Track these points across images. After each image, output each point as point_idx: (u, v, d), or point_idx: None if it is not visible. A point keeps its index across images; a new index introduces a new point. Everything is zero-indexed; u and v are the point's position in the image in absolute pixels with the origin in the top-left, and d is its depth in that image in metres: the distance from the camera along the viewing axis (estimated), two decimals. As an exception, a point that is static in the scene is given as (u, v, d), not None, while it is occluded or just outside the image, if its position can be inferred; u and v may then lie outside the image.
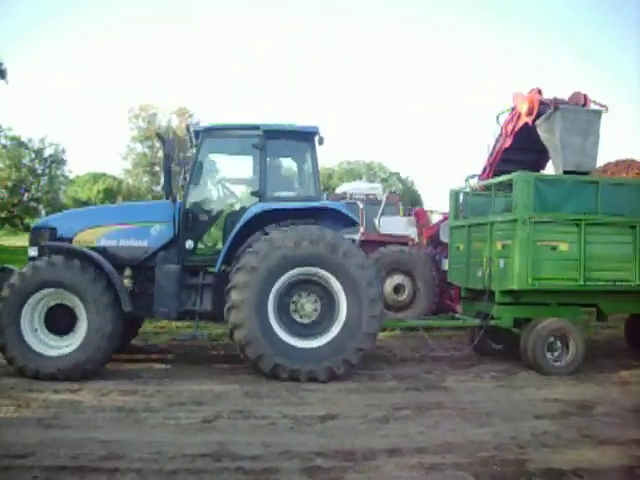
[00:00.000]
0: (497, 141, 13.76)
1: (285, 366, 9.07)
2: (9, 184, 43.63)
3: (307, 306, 9.47)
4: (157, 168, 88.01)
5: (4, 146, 40.37)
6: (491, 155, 13.91)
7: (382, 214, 16.13)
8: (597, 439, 6.84)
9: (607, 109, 11.96)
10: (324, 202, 10.17)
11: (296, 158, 10.62)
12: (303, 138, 10.17)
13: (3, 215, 43.78)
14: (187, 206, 9.89)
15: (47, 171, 48.49)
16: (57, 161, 50.71)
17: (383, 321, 10.01)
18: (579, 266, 10.14)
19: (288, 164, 11.15)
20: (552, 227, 10.19)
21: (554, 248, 10.17)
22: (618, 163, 14.19)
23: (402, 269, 15.21)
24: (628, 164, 13.92)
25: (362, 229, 15.77)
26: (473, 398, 8.48)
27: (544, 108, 12.03)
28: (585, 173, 11.69)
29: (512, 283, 10.16)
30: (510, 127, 13.15)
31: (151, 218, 9.97)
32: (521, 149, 13.21)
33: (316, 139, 10.15)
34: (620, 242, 10.41)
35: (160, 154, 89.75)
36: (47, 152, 46.50)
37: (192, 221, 9.90)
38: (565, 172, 11.56)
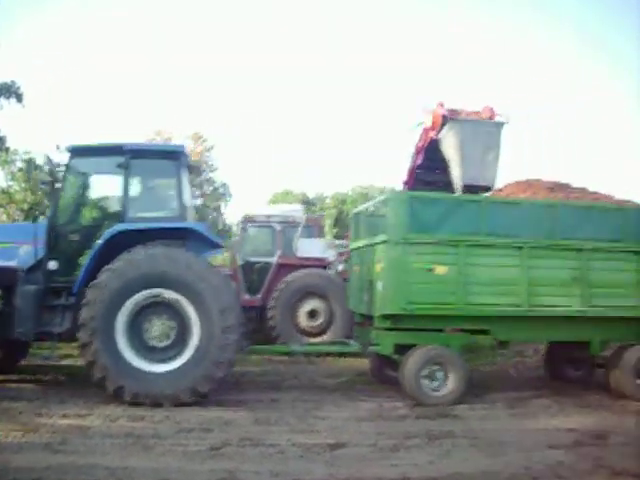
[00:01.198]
0: (411, 160, 13.31)
1: (129, 388, 8.81)
2: (25, 207, 43.86)
3: (158, 329, 9.19)
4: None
5: (20, 169, 40.59)
6: (407, 176, 13.49)
7: (300, 237, 15.50)
8: (612, 470, 6.69)
9: (509, 121, 11.74)
10: (185, 223, 9.79)
11: (162, 178, 10.44)
12: (168, 157, 10.03)
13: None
14: (51, 226, 9.78)
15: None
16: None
17: (240, 348, 9.63)
18: (459, 290, 9.61)
19: (161, 184, 10.82)
20: (428, 249, 9.64)
21: (430, 270, 9.59)
22: (518, 183, 13.47)
23: (317, 293, 14.74)
24: (528, 184, 13.20)
25: (279, 252, 15.35)
26: (485, 426, 8.36)
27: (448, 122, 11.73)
28: (487, 189, 11.46)
29: (386, 307, 9.67)
30: (420, 144, 12.76)
31: (11, 239, 9.86)
32: (435, 168, 12.76)
33: (182, 158, 10.05)
34: (505, 265, 9.87)
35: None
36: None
37: (56, 241, 9.77)
38: (465, 187, 11.24)
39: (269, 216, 16.07)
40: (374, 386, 10.96)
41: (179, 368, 9.04)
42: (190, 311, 9.10)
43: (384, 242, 9.70)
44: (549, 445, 7.53)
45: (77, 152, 9.93)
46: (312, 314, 14.75)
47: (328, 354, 12.81)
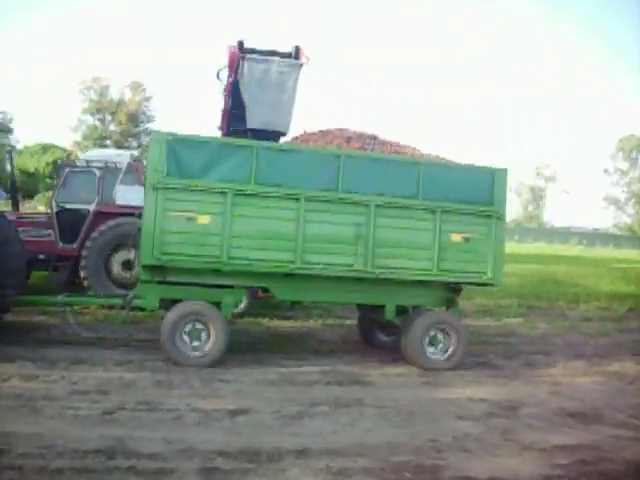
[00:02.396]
0: (223, 105, 12.58)
1: None
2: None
3: None
4: (108, 142, 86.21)
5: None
6: (221, 121, 12.72)
7: (120, 183, 14.44)
8: (520, 444, 6.56)
9: (308, 61, 10.93)
10: None
11: None
12: None
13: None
14: None
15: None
16: (4, 129, 49.07)
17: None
18: (222, 243, 8.90)
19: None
20: (188, 196, 8.87)
21: (190, 219, 8.91)
22: (326, 133, 11.81)
23: (133, 243, 14.09)
24: (324, 133, 11.57)
25: (97, 199, 14.23)
26: (395, 395, 8.13)
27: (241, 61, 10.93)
28: (280, 135, 10.89)
29: (142, 258, 9.02)
30: (225, 87, 12.07)
31: None
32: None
33: None
34: (278, 218, 9.14)
35: (112, 127, 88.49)
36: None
37: None
38: (255, 132, 10.58)
39: (89, 161, 14.84)
40: (294, 349, 10.61)
41: None
42: None
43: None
44: (459, 416, 7.37)
45: None
46: (127, 265, 13.69)
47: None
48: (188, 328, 8.98)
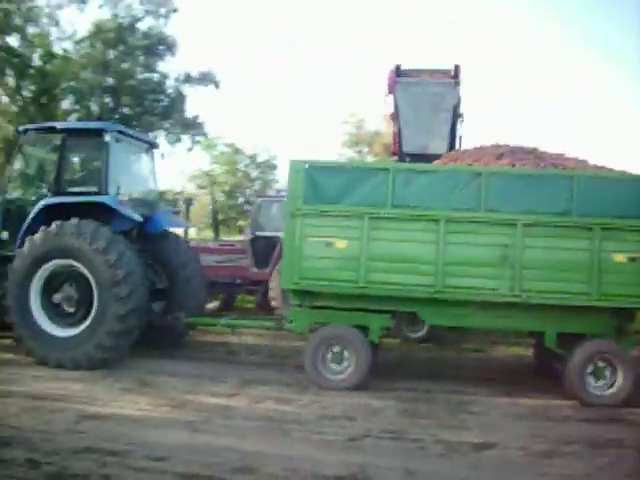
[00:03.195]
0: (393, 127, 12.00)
1: (36, 350, 9.59)
2: (226, 188, 46.04)
3: (64, 296, 9.90)
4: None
5: (222, 153, 42.62)
6: (393, 146, 12.13)
7: None
8: None
9: (457, 86, 10.38)
10: (99, 198, 10.08)
11: (90, 155, 11.13)
12: (93, 135, 10.50)
13: (221, 217, 46.27)
14: (3, 201, 10.72)
15: (261, 175, 50.64)
16: (270, 166, 52.80)
17: (176, 319, 10.22)
18: (359, 266, 8.74)
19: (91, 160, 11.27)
20: (326, 221, 8.87)
21: (328, 244, 8.82)
22: (478, 149, 11.00)
23: None
24: (469, 153, 10.85)
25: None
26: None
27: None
28: (437, 157, 9.99)
29: (282, 282, 9.23)
30: (390, 112, 11.66)
31: None
32: None
33: (107, 136, 10.29)
34: (416, 240, 8.79)
35: (368, 159, 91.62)
36: (261, 157, 48.47)
37: (7, 214, 10.64)
38: (413, 157, 10.15)
39: (280, 191, 15.74)
40: (541, 380, 10.02)
41: (78, 335, 9.58)
42: (91, 280, 9.55)
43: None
44: None
45: (24, 132, 10.90)
46: None
47: None
48: (329, 351, 9.06)
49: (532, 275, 8.63)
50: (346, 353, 9.04)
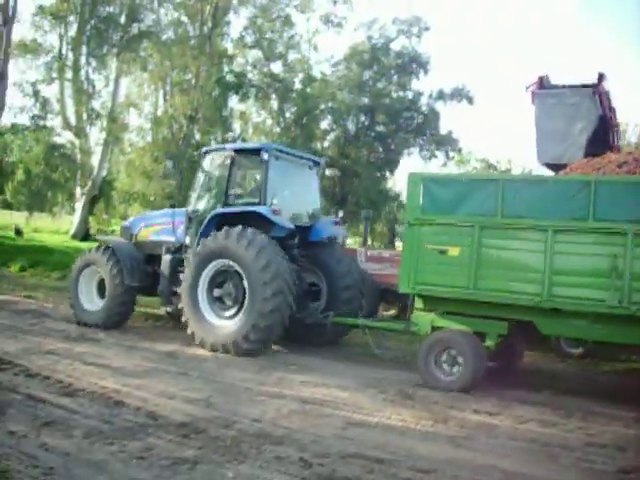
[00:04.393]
0: None
1: (197, 333, 11.30)
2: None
3: (223, 291, 11.47)
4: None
5: (475, 168, 42.41)
6: None
7: None
8: None
9: (595, 94, 10.37)
10: (254, 207, 11.53)
11: (252, 171, 12.78)
12: (255, 154, 11.95)
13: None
14: (189, 212, 12.52)
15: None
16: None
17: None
18: (471, 273, 9.17)
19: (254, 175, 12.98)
20: (441, 230, 9.54)
21: (442, 252, 9.28)
22: (603, 158, 10.34)
23: None
24: (595, 162, 10.14)
25: None
26: None
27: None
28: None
29: (400, 287, 9.85)
30: None
31: (170, 220, 12.95)
32: None
33: (265, 154, 11.66)
34: (525, 249, 9.02)
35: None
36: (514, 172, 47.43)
37: (190, 223, 12.42)
38: (548, 166, 10.33)
39: None
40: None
41: (232, 325, 11.10)
42: (244, 280, 11.00)
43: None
44: None
45: (204, 153, 12.85)
46: None
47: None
48: (442, 354, 9.44)
49: None
50: (460, 358, 9.33)
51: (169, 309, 12.72)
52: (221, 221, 11.67)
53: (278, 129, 38.36)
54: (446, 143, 36.80)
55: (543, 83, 11.52)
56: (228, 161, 12.14)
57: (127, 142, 37.68)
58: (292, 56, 38.27)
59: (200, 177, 12.88)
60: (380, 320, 13.13)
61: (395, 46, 37.00)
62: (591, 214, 8.62)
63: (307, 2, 36.87)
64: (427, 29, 36.77)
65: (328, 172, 32.91)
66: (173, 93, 35.84)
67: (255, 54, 37.59)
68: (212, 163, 12.81)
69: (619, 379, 11.38)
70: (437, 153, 37.02)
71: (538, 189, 9.23)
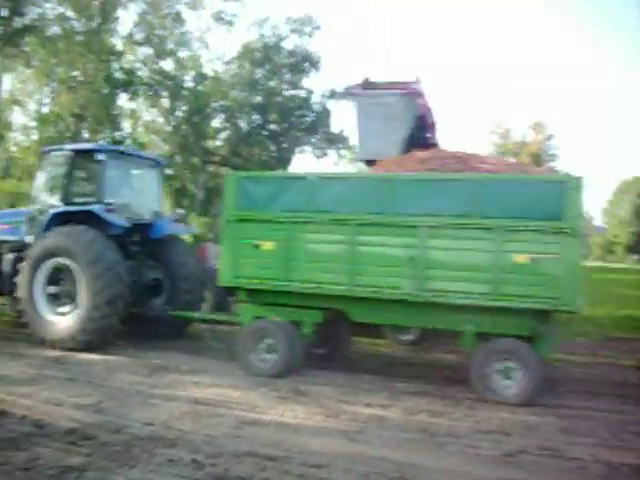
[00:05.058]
0: None
1: (38, 332, 11.45)
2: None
3: (59, 288, 11.61)
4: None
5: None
6: None
7: None
8: None
9: (408, 96, 11.34)
10: (88, 207, 11.79)
11: (90, 171, 12.55)
12: (92, 154, 12.27)
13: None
14: (31, 211, 12.68)
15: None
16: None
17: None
18: (284, 266, 9.78)
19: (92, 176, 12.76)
20: (256, 226, 10.02)
21: (258, 247, 9.88)
22: (408, 156, 11.22)
23: None
24: (411, 158, 11.06)
25: None
26: None
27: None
28: None
29: (220, 280, 10.39)
30: None
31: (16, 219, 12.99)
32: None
33: (101, 155, 12.11)
34: (330, 242, 9.60)
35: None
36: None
37: (32, 222, 12.55)
38: (366, 162, 11.07)
39: None
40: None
41: (68, 320, 11.28)
42: (78, 273, 11.22)
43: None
44: None
45: (46, 153, 13.01)
46: None
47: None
48: (260, 343, 9.99)
49: (436, 275, 9.01)
50: (276, 346, 9.88)
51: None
52: (61, 220, 11.86)
53: (169, 127, 37.82)
54: (338, 141, 37.29)
55: (365, 84, 12.25)
56: (68, 161, 12.38)
57: (12, 141, 36.27)
58: (183, 53, 37.82)
59: (41, 177, 12.97)
60: (212, 313, 13.70)
61: (287, 45, 37.16)
62: (390, 208, 9.32)
63: (198, -1, 36.50)
64: (318, 28, 37.14)
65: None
66: (59, 90, 34.72)
67: (145, 51, 36.92)
68: (53, 163, 12.86)
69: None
70: (329, 151, 37.48)
71: (343, 186, 9.87)
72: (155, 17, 35.89)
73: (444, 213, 9.03)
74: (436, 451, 6.72)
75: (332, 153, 37.67)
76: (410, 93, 11.86)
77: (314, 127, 36.93)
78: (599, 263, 72.59)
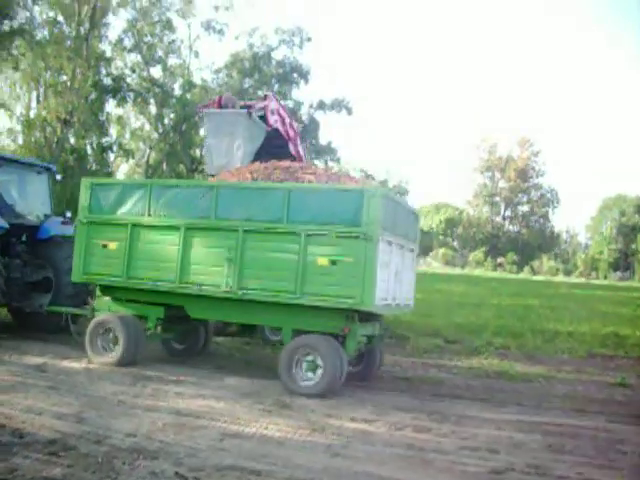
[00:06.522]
0: None
1: None
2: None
3: None
4: (497, 199, 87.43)
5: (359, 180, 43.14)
6: None
7: None
8: None
9: (251, 115, 12.31)
10: None
11: None
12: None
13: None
14: None
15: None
16: (401, 192, 52.85)
17: (39, 306, 12.88)
18: (125, 264, 10.62)
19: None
20: (103, 227, 10.96)
21: (105, 247, 10.81)
22: (246, 168, 11.91)
23: None
24: (247, 169, 11.70)
25: None
26: None
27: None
28: None
29: (73, 276, 11.30)
30: None
31: None
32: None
33: None
34: (167, 243, 10.47)
35: (501, 184, 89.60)
36: (391, 183, 48.67)
37: None
38: (214, 177, 12.04)
39: None
40: None
41: None
42: None
43: None
44: None
45: None
46: None
47: None
48: (104, 335, 10.85)
49: (250, 274, 9.86)
50: (117, 338, 10.69)
51: None
52: None
53: (156, 135, 37.69)
54: (325, 153, 37.30)
55: (221, 102, 12.94)
56: None
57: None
58: (172, 61, 37.79)
59: None
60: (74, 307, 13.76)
61: (277, 55, 37.17)
62: (214, 213, 10.19)
63: (188, 7, 36.49)
64: (309, 39, 37.18)
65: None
66: (47, 95, 34.52)
67: (134, 58, 36.84)
68: None
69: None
70: (316, 162, 37.49)
71: (175, 193, 10.70)
72: (145, 24, 35.83)
73: (258, 219, 9.92)
74: (422, 467, 6.63)
75: (320, 164, 37.63)
76: (260, 109, 12.79)
77: (302, 138, 36.94)
78: (582, 280, 72.99)
